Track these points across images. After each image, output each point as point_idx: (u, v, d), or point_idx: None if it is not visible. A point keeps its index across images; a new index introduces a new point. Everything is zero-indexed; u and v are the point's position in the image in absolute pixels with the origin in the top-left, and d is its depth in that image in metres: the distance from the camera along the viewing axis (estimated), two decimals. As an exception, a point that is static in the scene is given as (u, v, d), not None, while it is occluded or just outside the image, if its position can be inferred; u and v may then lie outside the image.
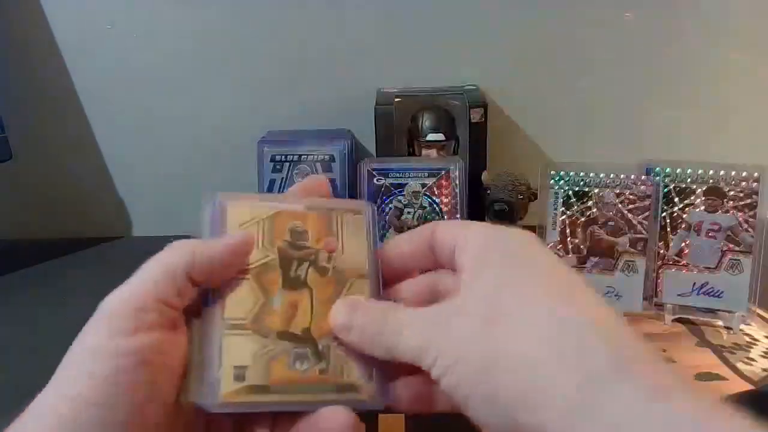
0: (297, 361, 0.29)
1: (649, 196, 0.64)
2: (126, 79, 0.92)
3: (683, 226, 0.64)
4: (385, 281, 0.33)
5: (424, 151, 0.80)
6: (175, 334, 0.28)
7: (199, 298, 0.29)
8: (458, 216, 0.70)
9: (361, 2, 0.90)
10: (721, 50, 0.92)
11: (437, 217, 0.69)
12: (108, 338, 0.26)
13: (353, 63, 0.92)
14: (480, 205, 0.76)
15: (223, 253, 0.29)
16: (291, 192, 0.34)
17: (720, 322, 0.63)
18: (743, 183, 0.62)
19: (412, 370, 0.28)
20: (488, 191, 0.76)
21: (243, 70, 0.92)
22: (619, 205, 0.64)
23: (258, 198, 0.33)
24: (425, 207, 0.69)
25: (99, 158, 0.95)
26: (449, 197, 0.69)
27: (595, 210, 0.65)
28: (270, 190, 0.79)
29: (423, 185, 0.69)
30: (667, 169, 0.64)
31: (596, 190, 0.65)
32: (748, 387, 0.52)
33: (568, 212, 0.66)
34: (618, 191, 0.64)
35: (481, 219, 0.76)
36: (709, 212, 0.63)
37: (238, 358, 0.28)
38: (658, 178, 0.64)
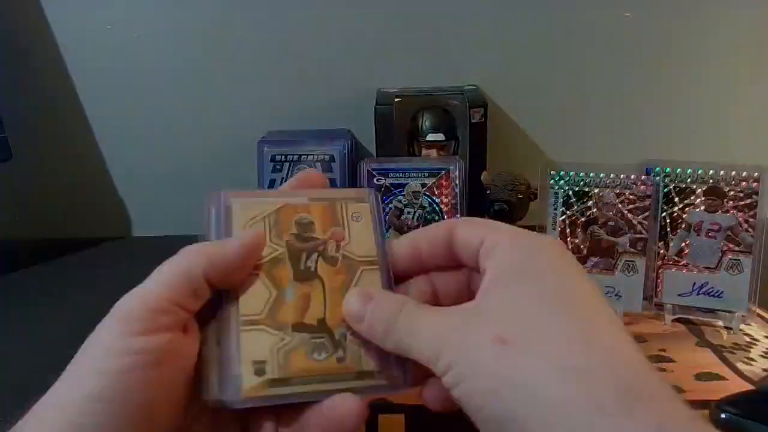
0: (315, 352, 0.29)
1: (649, 196, 0.64)
2: (126, 79, 0.92)
3: (683, 226, 0.64)
4: (397, 276, 0.33)
5: (424, 151, 0.80)
6: (187, 336, 0.28)
7: (210, 300, 0.29)
8: (458, 216, 0.70)
9: (361, 2, 0.90)
10: (721, 50, 0.92)
11: (437, 217, 0.69)
12: (121, 337, 0.26)
13: (353, 63, 0.92)
14: (480, 204, 0.76)
15: (238, 254, 0.29)
16: (289, 185, 0.34)
17: (720, 322, 0.63)
18: (743, 183, 0.62)
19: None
20: (488, 191, 0.75)
21: (243, 70, 0.92)
22: (619, 205, 0.64)
23: (260, 193, 0.33)
24: (425, 207, 0.69)
25: (99, 158, 0.95)
26: (449, 197, 0.69)
27: (595, 210, 0.65)
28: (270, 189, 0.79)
29: (423, 185, 0.69)
30: (667, 169, 0.64)
31: (596, 190, 0.65)
32: (748, 387, 0.52)
33: (568, 212, 0.66)
34: (618, 191, 0.64)
35: (481, 219, 0.75)
36: (709, 212, 0.63)
37: (256, 353, 0.28)
38: (658, 178, 0.64)
